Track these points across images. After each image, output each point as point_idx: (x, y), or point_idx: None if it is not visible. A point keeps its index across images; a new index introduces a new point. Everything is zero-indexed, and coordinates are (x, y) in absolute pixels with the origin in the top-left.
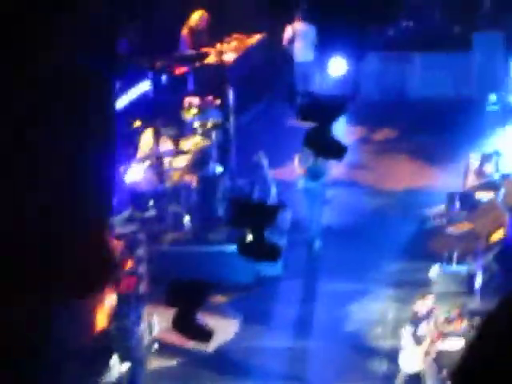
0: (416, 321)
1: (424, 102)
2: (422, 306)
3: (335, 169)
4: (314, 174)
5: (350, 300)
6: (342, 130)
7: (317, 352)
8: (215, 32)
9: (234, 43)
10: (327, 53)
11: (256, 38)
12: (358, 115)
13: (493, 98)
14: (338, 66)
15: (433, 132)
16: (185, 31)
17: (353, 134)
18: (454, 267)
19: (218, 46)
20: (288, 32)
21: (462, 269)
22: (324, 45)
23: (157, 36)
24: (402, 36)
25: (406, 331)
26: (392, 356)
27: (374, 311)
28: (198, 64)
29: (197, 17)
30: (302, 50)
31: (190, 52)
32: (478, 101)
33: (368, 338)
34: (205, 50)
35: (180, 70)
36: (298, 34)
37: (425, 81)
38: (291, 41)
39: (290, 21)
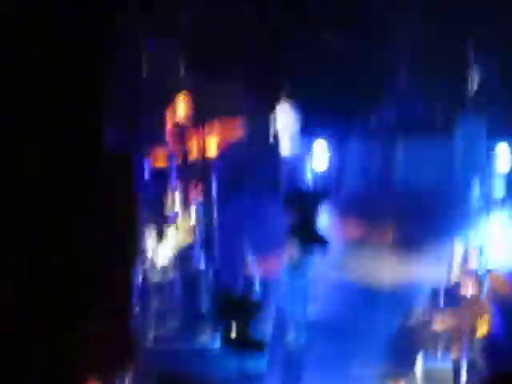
0: None
1: (407, 190)
2: None
3: (319, 263)
4: (297, 269)
5: None
6: (325, 222)
7: None
8: (197, 119)
9: (216, 131)
10: (311, 139)
11: (240, 125)
12: (342, 206)
13: (477, 186)
14: (322, 156)
15: (417, 222)
16: (168, 122)
17: (337, 227)
18: (439, 363)
19: (201, 134)
20: (274, 126)
21: (447, 365)
22: (306, 132)
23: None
24: (383, 122)
25: None
26: None
27: None
28: (180, 155)
29: (180, 101)
30: (289, 141)
31: (173, 143)
32: (461, 189)
33: None
34: (187, 145)
35: (161, 163)
36: (284, 121)
37: (408, 168)
38: (277, 129)
39: (276, 107)
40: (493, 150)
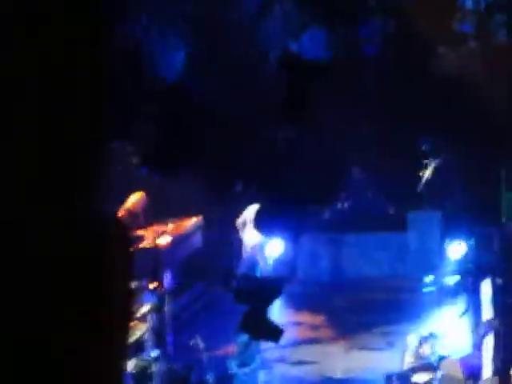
0: None
1: (360, 282)
2: None
3: (269, 352)
4: (245, 358)
5: None
6: (278, 312)
7: None
8: (152, 215)
9: (170, 226)
10: (267, 235)
11: (193, 221)
12: (295, 298)
13: (429, 278)
14: (276, 248)
15: (369, 313)
16: (122, 213)
17: (289, 317)
18: None
19: (154, 228)
20: (241, 218)
21: None
22: (263, 227)
23: None
24: (337, 217)
25: None
26: None
27: None
28: (134, 247)
29: (135, 198)
30: (243, 232)
31: None
32: (414, 281)
33: None
34: (140, 232)
35: None
36: (240, 217)
37: (361, 261)
38: (242, 226)
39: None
40: (445, 244)
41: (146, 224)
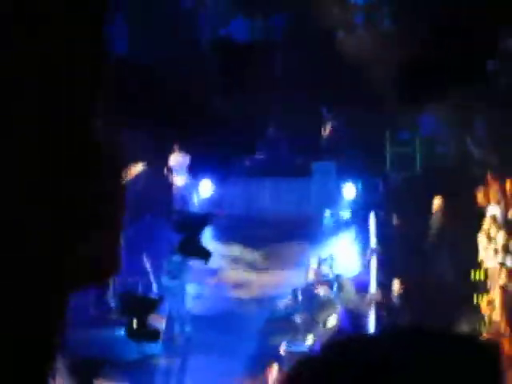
0: None
1: (273, 217)
2: (270, 373)
3: (203, 270)
4: (175, 274)
5: (216, 370)
6: (208, 240)
7: None
8: None
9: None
10: (198, 177)
11: (139, 167)
12: (220, 229)
13: (327, 213)
14: (206, 188)
15: (281, 241)
16: None
17: (215, 245)
18: (298, 345)
19: None
20: (168, 163)
21: (304, 347)
22: (196, 171)
23: None
24: (256, 165)
25: None
26: None
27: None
28: None
29: None
30: (179, 176)
31: None
32: (316, 216)
33: None
34: None
35: None
36: (176, 164)
37: (274, 201)
38: (170, 169)
39: (170, 152)
40: (341, 186)
41: None
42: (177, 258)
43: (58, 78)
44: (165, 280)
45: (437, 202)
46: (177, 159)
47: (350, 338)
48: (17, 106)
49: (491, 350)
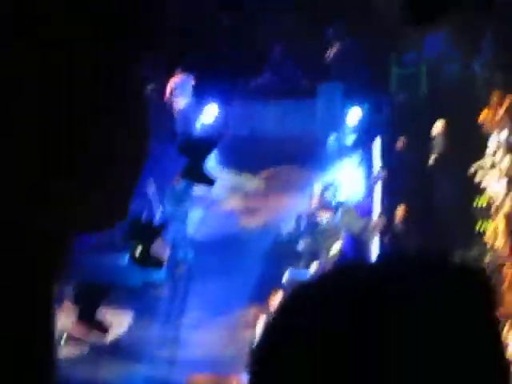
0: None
1: (279, 139)
2: (274, 300)
3: (208, 195)
4: (179, 200)
5: (219, 297)
6: (213, 165)
7: (196, 337)
8: None
9: None
10: (203, 99)
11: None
12: (225, 151)
13: (333, 136)
14: (211, 111)
15: (285, 163)
16: None
17: (223, 169)
18: (301, 272)
19: None
20: (170, 84)
21: (307, 273)
22: (200, 93)
23: None
24: (260, 87)
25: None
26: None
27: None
28: None
29: None
30: (182, 98)
31: None
32: (321, 139)
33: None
34: None
35: None
36: (179, 86)
37: (279, 122)
38: (173, 91)
39: (172, 74)
40: (346, 108)
41: None
42: (181, 183)
43: (58, 79)
44: (169, 206)
45: (439, 124)
46: (180, 80)
47: (346, 263)
48: (17, 106)
49: (483, 279)
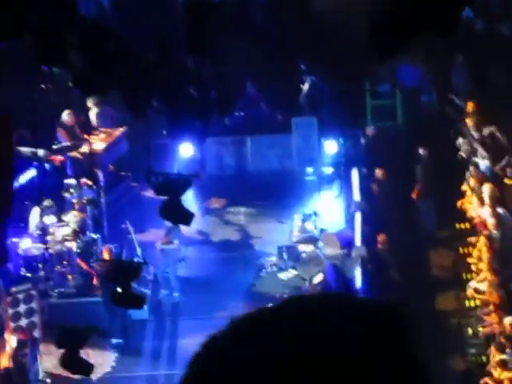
0: None
1: (256, 175)
2: None
3: (187, 231)
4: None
5: (204, 333)
6: (190, 200)
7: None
8: (85, 127)
9: (102, 135)
10: (178, 139)
11: (120, 131)
12: (204, 188)
13: (310, 170)
14: (186, 150)
15: (264, 199)
16: (59, 128)
17: (200, 204)
18: None
19: (89, 137)
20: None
21: None
22: (175, 133)
23: (41, 132)
24: (235, 123)
25: None
26: None
27: None
28: (73, 153)
29: (65, 115)
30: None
31: (66, 144)
32: (298, 173)
33: None
34: (77, 142)
35: (59, 159)
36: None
37: (255, 158)
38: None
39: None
40: (322, 142)
41: (82, 134)
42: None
43: None
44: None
45: (420, 152)
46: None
47: (258, 312)
48: None
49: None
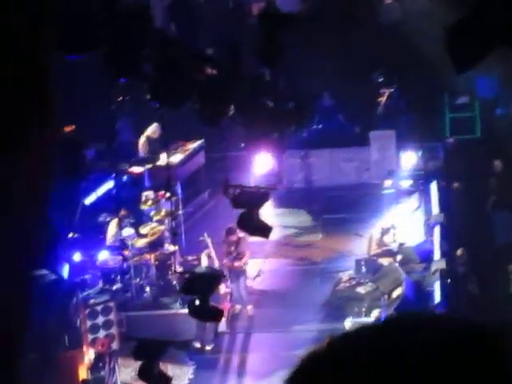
0: None
1: (333, 188)
2: None
3: (266, 245)
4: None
5: (281, 347)
6: (268, 213)
7: None
8: (165, 139)
9: (180, 147)
10: (254, 151)
11: (197, 143)
12: (282, 200)
13: (388, 183)
14: (263, 162)
15: (341, 212)
16: (142, 140)
17: (278, 217)
18: (363, 319)
19: (167, 151)
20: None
21: (369, 320)
22: (252, 145)
23: (119, 146)
24: (313, 136)
25: None
26: None
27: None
28: (151, 166)
29: (153, 128)
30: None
31: (144, 156)
32: (376, 186)
33: None
34: (155, 154)
35: (138, 171)
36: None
37: (333, 171)
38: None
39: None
40: (400, 155)
41: (161, 147)
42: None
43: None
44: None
45: (497, 164)
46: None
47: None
48: None
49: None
